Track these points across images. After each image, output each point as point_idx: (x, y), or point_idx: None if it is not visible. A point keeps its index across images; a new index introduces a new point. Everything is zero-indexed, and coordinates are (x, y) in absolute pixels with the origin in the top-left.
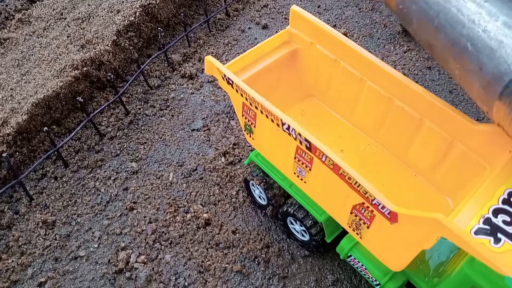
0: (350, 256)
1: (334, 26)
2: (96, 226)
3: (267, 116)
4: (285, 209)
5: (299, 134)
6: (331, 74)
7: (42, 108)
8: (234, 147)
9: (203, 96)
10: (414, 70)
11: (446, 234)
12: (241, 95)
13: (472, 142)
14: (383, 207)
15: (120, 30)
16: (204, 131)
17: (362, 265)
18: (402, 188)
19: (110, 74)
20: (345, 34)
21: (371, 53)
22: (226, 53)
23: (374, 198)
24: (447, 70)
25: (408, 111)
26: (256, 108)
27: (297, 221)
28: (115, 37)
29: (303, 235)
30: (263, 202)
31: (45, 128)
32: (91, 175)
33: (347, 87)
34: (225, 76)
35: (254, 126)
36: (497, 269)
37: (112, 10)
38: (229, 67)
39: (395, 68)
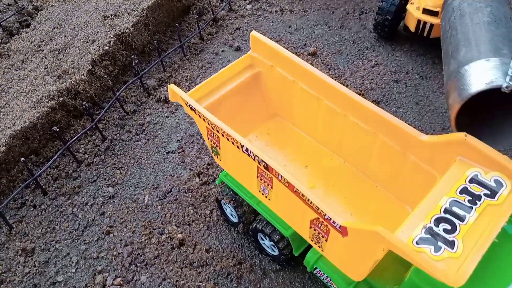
0: (316, 268)
1: (305, 45)
2: (73, 251)
3: (227, 139)
4: (254, 225)
5: (257, 156)
6: (292, 94)
7: (20, 139)
8: (208, 167)
9: (178, 119)
10: (382, 83)
11: (387, 245)
12: (203, 120)
13: (422, 153)
14: (334, 222)
15: (95, 59)
16: (179, 153)
17: (327, 276)
18: (364, 199)
19: (85, 103)
20: (315, 53)
21: (340, 69)
22: (200, 76)
23: (325, 214)
24: None
25: (362, 127)
26: (218, 132)
27: (266, 237)
28: (90, 67)
29: (273, 250)
30: (235, 220)
31: (22, 159)
32: (69, 201)
33: (307, 106)
34: (187, 103)
35: (219, 148)
36: (435, 277)
37: (88, 41)
38: (193, 94)
39: (363, 82)
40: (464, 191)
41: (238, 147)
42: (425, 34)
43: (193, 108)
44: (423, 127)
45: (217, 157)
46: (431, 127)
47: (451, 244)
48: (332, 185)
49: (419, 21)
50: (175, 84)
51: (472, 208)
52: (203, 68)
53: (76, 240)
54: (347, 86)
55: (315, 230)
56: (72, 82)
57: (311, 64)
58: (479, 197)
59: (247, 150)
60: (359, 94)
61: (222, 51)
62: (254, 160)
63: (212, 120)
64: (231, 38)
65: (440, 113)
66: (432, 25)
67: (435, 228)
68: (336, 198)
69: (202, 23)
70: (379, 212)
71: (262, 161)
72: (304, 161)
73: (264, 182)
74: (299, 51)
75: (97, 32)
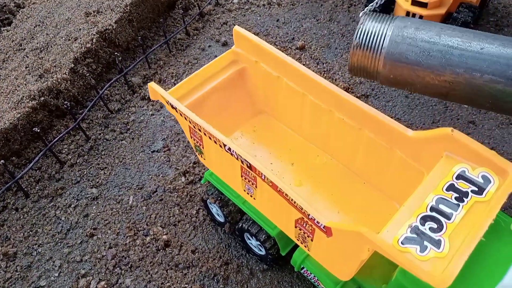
0: (303, 268)
1: (293, 39)
2: (56, 255)
3: (210, 138)
4: (240, 225)
5: (240, 155)
6: (277, 91)
7: (0, 141)
8: (194, 165)
9: (163, 117)
10: None
11: (372, 246)
12: (185, 119)
13: (408, 149)
14: (318, 222)
15: (78, 57)
16: (164, 151)
17: (314, 276)
18: (351, 196)
19: (67, 102)
20: (303, 47)
21: (329, 63)
22: (186, 72)
23: (309, 214)
24: None
25: (348, 122)
26: (200, 130)
27: (252, 236)
28: (72, 65)
29: (260, 250)
30: (221, 220)
31: (1, 161)
32: (51, 204)
33: (292, 102)
34: (168, 101)
35: (203, 147)
36: (421, 278)
37: (70, 38)
38: (174, 92)
39: (352, 76)
40: (451, 188)
41: (220, 146)
42: (423, 15)
43: (174, 107)
44: (412, 120)
45: (201, 156)
46: (420, 121)
47: (437, 244)
48: (319, 183)
49: (408, 12)
50: (160, 81)
51: (459, 205)
52: (189, 64)
53: (59, 244)
54: (335, 80)
55: (300, 229)
56: (54, 81)
57: (299, 58)
58: (466, 194)
59: (229, 149)
60: (348, 88)
61: (209, 46)
62: (237, 159)
63: (194, 119)
64: (218, 33)
65: (430, 106)
66: (421, 17)
67: (421, 227)
68: (323, 195)
69: (188, 18)
70: (367, 209)
71: (245, 160)
72: (291, 159)
73: (249, 181)
74: (287, 45)
75: (80, 29)
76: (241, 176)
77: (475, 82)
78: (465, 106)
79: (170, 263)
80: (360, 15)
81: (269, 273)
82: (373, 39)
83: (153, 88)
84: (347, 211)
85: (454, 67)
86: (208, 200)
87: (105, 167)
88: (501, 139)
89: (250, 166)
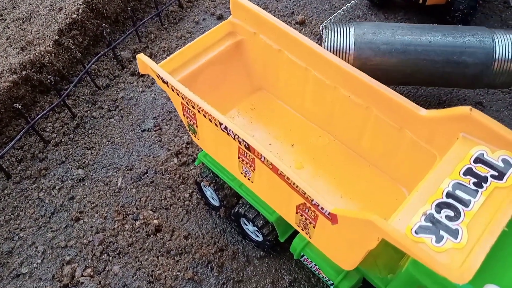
0: (303, 255)
1: (292, 13)
2: (40, 240)
3: (204, 116)
4: (236, 210)
5: (237, 135)
6: (278, 65)
7: None
8: (188, 146)
9: (155, 94)
10: None
11: (383, 235)
12: (177, 94)
13: (420, 130)
14: (322, 208)
15: (63, 29)
16: (155, 131)
17: (315, 264)
18: (356, 180)
19: (50, 77)
20: (303, 21)
21: None
22: (179, 47)
23: (313, 199)
24: None
25: (354, 100)
26: (194, 107)
27: (249, 222)
28: (57, 37)
29: (257, 236)
30: (216, 204)
31: None
32: (34, 185)
33: (293, 78)
34: (159, 75)
35: (196, 126)
36: (437, 271)
37: (54, 8)
38: (165, 65)
39: None
40: (469, 172)
41: (216, 124)
42: (420, 1)
43: (165, 81)
44: (418, 101)
45: (195, 136)
46: (426, 101)
47: (454, 233)
48: (321, 165)
49: None
50: (151, 55)
51: (477, 191)
52: (182, 38)
53: (43, 228)
54: None
55: (302, 215)
56: (37, 54)
57: None
58: (485, 179)
59: (226, 128)
60: None
61: (203, 19)
62: (234, 139)
63: (187, 94)
64: (213, 6)
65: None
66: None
67: (436, 215)
68: (325, 179)
69: None
70: (372, 194)
71: (243, 140)
72: (291, 139)
73: (246, 163)
74: (286, 19)
75: None
76: (238, 158)
77: (429, 70)
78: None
79: (161, 249)
80: (321, 28)
81: (267, 260)
82: (339, 50)
83: (142, 60)
84: (351, 196)
85: (412, 60)
86: (202, 183)
87: (92, 147)
88: (509, 121)
89: (248, 147)
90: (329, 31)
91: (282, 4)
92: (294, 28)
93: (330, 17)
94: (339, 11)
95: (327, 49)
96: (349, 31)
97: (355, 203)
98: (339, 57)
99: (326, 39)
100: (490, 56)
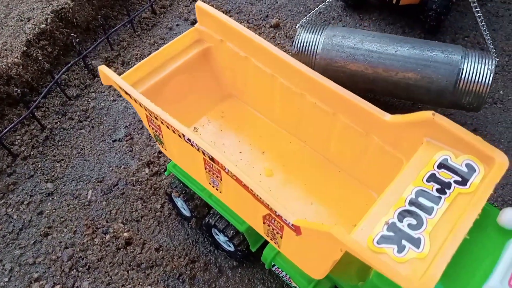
0: (274, 265)
1: (267, 17)
2: (7, 257)
3: (168, 127)
4: (207, 220)
5: (200, 147)
6: (246, 72)
7: None
8: (159, 155)
9: (126, 103)
10: None
11: (343, 247)
12: (140, 106)
13: (386, 135)
14: (286, 219)
15: (31, 39)
16: (126, 140)
17: (286, 274)
18: (326, 185)
19: (17, 89)
20: (278, 25)
21: None
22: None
23: (276, 211)
24: None
25: (321, 107)
26: (156, 119)
27: (220, 232)
28: (25, 48)
29: (228, 246)
30: (188, 214)
31: None
32: (2, 201)
33: (261, 85)
34: (121, 87)
35: (162, 137)
36: (398, 283)
37: (22, 19)
38: (129, 76)
39: None
40: (432, 178)
41: (180, 136)
42: (394, 1)
43: (128, 92)
44: (392, 101)
45: (162, 146)
46: (400, 101)
47: (416, 242)
48: (292, 172)
49: None
50: (123, 63)
51: (440, 198)
52: (155, 44)
53: (10, 245)
54: None
55: (269, 226)
56: (4, 66)
57: (274, 37)
58: (448, 185)
59: (189, 140)
60: None
61: (177, 25)
62: (198, 150)
63: (149, 106)
64: (187, 11)
65: None
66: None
67: (398, 224)
68: (295, 186)
69: None
70: (343, 199)
71: (207, 152)
72: (261, 146)
73: (213, 174)
74: (261, 23)
75: (33, 8)
76: (205, 169)
77: (392, 79)
78: None
79: (131, 263)
80: (297, 26)
81: (239, 270)
82: (308, 47)
83: (104, 73)
84: (322, 201)
85: (374, 68)
86: (172, 194)
87: (62, 159)
88: (484, 119)
89: (212, 158)
90: (303, 29)
91: (257, 8)
92: (269, 32)
93: (305, 17)
94: (312, 11)
95: (297, 46)
96: (321, 31)
97: (326, 209)
98: (306, 54)
99: (298, 36)
100: (455, 74)
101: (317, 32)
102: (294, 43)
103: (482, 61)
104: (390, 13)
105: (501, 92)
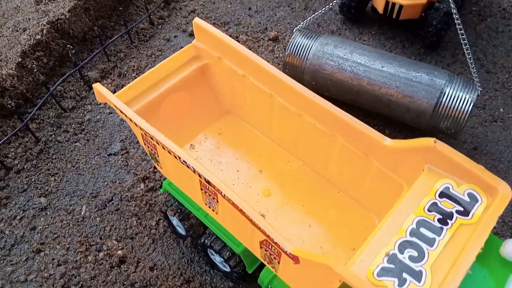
0: None
1: (266, 29)
2: None
3: (163, 148)
4: (202, 240)
5: (196, 170)
6: (244, 90)
7: None
8: (155, 171)
9: None
10: None
11: (342, 279)
12: (135, 125)
13: (386, 159)
14: (284, 248)
15: (26, 50)
16: (122, 155)
17: None
18: (325, 207)
19: (10, 102)
20: (276, 38)
21: None
22: (149, 65)
23: (274, 239)
24: None
25: (319, 128)
26: (152, 139)
27: (216, 253)
28: (20, 59)
29: (224, 266)
30: (183, 232)
31: None
32: None
33: (260, 103)
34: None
35: (158, 156)
36: None
37: (18, 29)
38: (124, 94)
39: None
40: (434, 207)
41: (175, 157)
42: (394, 16)
43: (123, 112)
44: (391, 118)
45: (158, 165)
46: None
47: (418, 276)
48: (289, 192)
49: (387, 2)
50: (120, 75)
51: (442, 229)
52: (153, 56)
53: (2, 261)
54: None
55: (266, 251)
56: None
57: (272, 50)
58: (450, 215)
59: (185, 162)
60: None
61: (175, 36)
62: (194, 172)
63: (144, 126)
64: (185, 22)
65: None
66: (401, 6)
67: (399, 255)
68: (293, 207)
69: (152, 5)
70: (342, 222)
71: (203, 175)
72: (259, 165)
73: (209, 195)
74: (260, 36)
75: (29, 19)
76: (201, 189)
77: (375, 93)
78: None
79: (125, 282)
80: (294, 30)
81: None
82: (300, 52)
83: (99, 91)
84: (320, 223)
85: (359, 80)
86: (167, 212)
87: (56, 173)
88: (484, 137)
89: (208, 181)
90: (299, 34)
91: (255, 20)
92: (267, 45)
93: (304, 21)
94: (309, 17)
95: (290, 49)
96: (316, 38)
97: (324, 231)
98: (298, 58)
99: (293, 39)
100: (435, 97)
101: (311, 38)
102: (288, 45)
103: (465, 89)
104: (390, 27)
105: (501, 110)
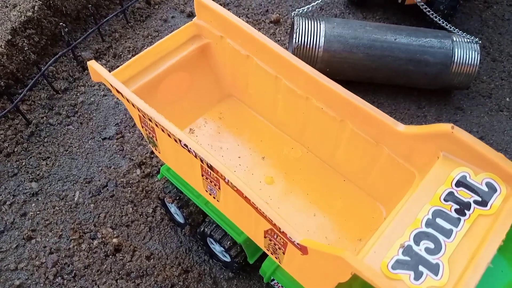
0: (273, 279)
1: (267, 11)
2: None
3: (163, 131)
4: (202, 229)
5: (198, 154)
6: (247, 72)
7: None
8: (152, 156)
9: (117, 98)
10: None
11: (355, 272)
12: (133, 105)
13: (398, 146)
14: (291, 237)
15: (16, 28)
16: (117, 139)
17: None
18: (330, 196)
19: (0, 81)
20: (278, 20)
21: None
22: (146, 46)
23: (281, 228)
24: None
25: (328, 113)
26: (150, 121)
27: (216, 242)
28: (10, 37)
29: (224, 256)
30: (181, 221)
31: None
32: None
33: (264, 86)
34: (112, 85)
35: (156, 140)
36: None
37: (8, 5)
38: (121, 73)
39: None
40: (450, 197)
41: (175, 140)
42: (399, 1)
43: (119, 91)
44: (397, 105)
45: (156, 149)
46: (405, 106)
47: (435, 269)
48: (293, 180)
49: None
50: (115, 56)
51: (460, 220)
52: (149, 37)
53: None
54: None
55: (270, 240)
56: None
57: (274, 33)
58: (468, 206)
59: (186, 145)
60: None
61: (172, 17)
62: (195, 157)
63: (142, 107)
64: (183, 2)
65: (415, 89)
66: None
67: (415, 247)
68: (297, 195)
69: None
70: (348, 211)
71: (205, 160)
72: (262, 151)
73: (211, 181)
74: (260, 18)
75: None
76: (202, 175)
77: (393, 66)
78: (452, 91)
79: (120, 272)
80: (293, 17)
81: (235, 281)
82: (310, 41)
83: (94, 68)
84: (325, 213)
85: (377, 56)
86: (165, 199)
87: (48, 157)
88: (490, 127)
89: (211, 167)
90: (301, 22)
91: (256, 2)
92: (268, 27)
93: (303, 8)
94: (313, 3)
95: (297, 42)
96: (319, 24)
97: (329, 221)
98: (309, 49)
99: (298, 30)
100: (449, 57)
101: (316, 25)
102: (294, 38)
103: (467, 44)
104: (394, 12)
105: (507, 99)
